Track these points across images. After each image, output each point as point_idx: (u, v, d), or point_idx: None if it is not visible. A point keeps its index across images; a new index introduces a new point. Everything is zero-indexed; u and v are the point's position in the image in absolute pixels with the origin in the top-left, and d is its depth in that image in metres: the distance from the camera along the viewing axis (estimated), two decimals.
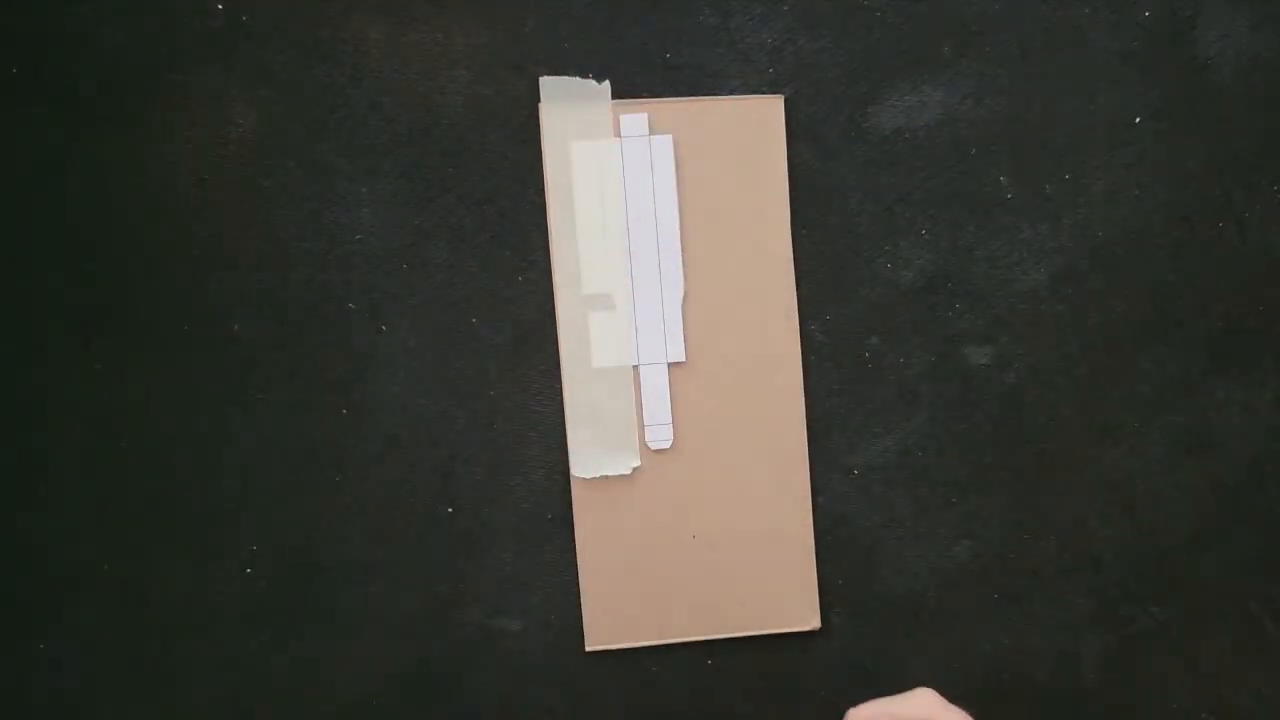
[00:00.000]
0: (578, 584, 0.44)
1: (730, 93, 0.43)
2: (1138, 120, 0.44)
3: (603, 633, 0.43)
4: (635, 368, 0.43)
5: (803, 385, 0.44)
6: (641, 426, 0.43)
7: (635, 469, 0.43)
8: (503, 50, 0.43)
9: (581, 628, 0.44)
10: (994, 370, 0.44)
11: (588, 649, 0.43)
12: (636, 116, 0.43)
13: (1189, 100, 0.44)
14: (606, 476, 0.43)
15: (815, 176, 0.44)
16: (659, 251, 0.43)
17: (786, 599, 0.44)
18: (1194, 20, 0.44)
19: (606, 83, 0.43)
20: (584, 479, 0.43)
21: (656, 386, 0.43)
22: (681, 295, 0.43)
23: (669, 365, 0.43)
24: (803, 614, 0.44)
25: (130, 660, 0.43)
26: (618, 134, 0.43)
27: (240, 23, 0.43)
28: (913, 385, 0.44)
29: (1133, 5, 0.43)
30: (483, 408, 0.44)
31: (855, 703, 0.44)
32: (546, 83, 0.43)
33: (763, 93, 0.43)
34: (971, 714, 0.44)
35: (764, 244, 0.43)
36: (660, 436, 0.43)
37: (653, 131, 0.43)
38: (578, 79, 0.43)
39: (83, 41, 0.43)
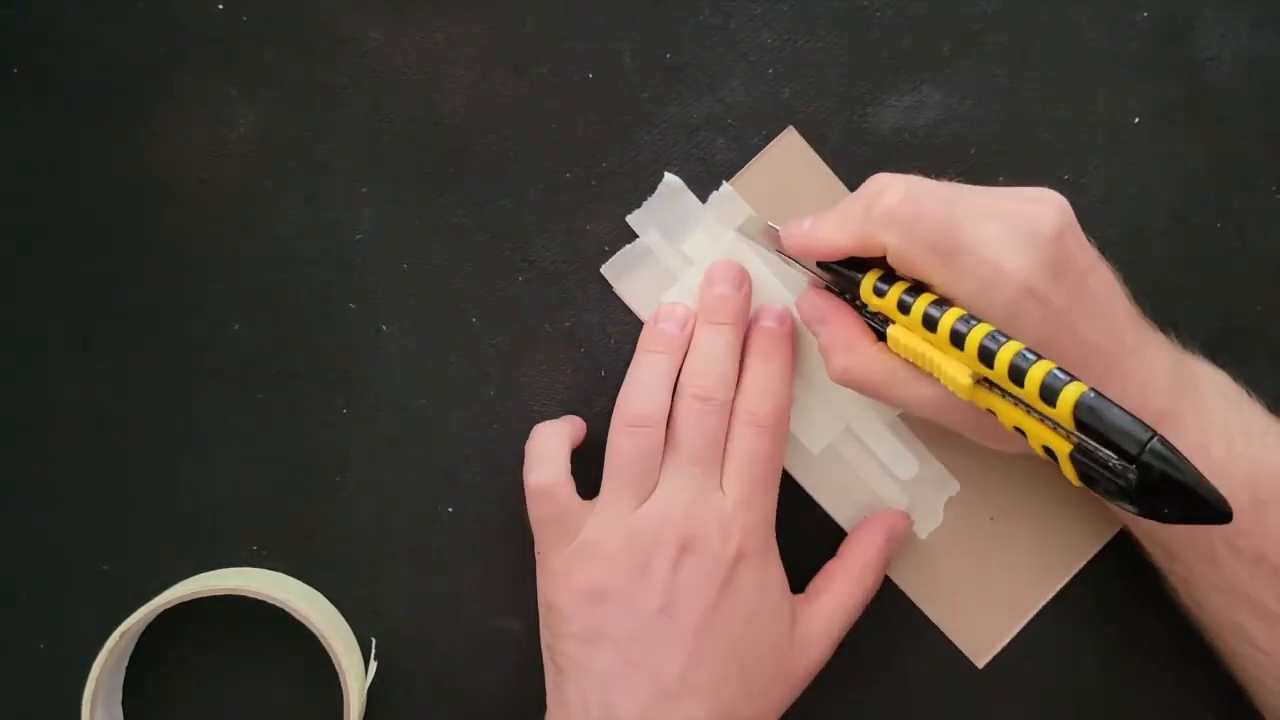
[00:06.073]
0: None
1: (730, 93, 0.43)
2: (1137, 120, 0.44)
3: None
4: None
5: None
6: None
7: None
8: (503, 50, 0.43)
9: None
10: None
11: None
12: (692, 238, 0.43)
13: (1189, 100, 0.44)
14: None
15: None
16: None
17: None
18: (1193, 20, 0.44)
19: (654, 230, 0.43)
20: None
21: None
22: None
23: None
24: None
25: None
26: (692, 263, 0.43)
27: (240, 23, 0.43)
28: None
29: (1132, 5, 0.43)
30: (483, 408, 0.44)
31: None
32: (609, 269, 0.43)
33: (762, 93, 0.43)
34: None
35: None
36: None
37: (715, 242, 0.43)
38: (628, 246, 0.43)
39: (83, 41, 0.43)
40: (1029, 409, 0.33)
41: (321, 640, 0.41)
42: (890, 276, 0.37)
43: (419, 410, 0.44)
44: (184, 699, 0.44)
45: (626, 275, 0.43)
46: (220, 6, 0.43)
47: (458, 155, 0.43)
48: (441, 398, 0.44)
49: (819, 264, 0.39)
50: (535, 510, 0.40)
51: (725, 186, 0.43)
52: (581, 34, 0.43)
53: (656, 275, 0.43)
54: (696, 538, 0.39)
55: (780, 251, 0.41)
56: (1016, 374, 0.33)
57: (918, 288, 0.36)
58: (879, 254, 0.37)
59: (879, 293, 0.37)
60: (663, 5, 0.43)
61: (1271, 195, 0.44)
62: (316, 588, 0.44)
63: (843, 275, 0.39)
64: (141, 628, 0.42)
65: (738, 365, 0.41)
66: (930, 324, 0.35)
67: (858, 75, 0.43)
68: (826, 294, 0.40)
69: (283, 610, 0.41)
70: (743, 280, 0.42)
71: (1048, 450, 0.33)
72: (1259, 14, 0.43)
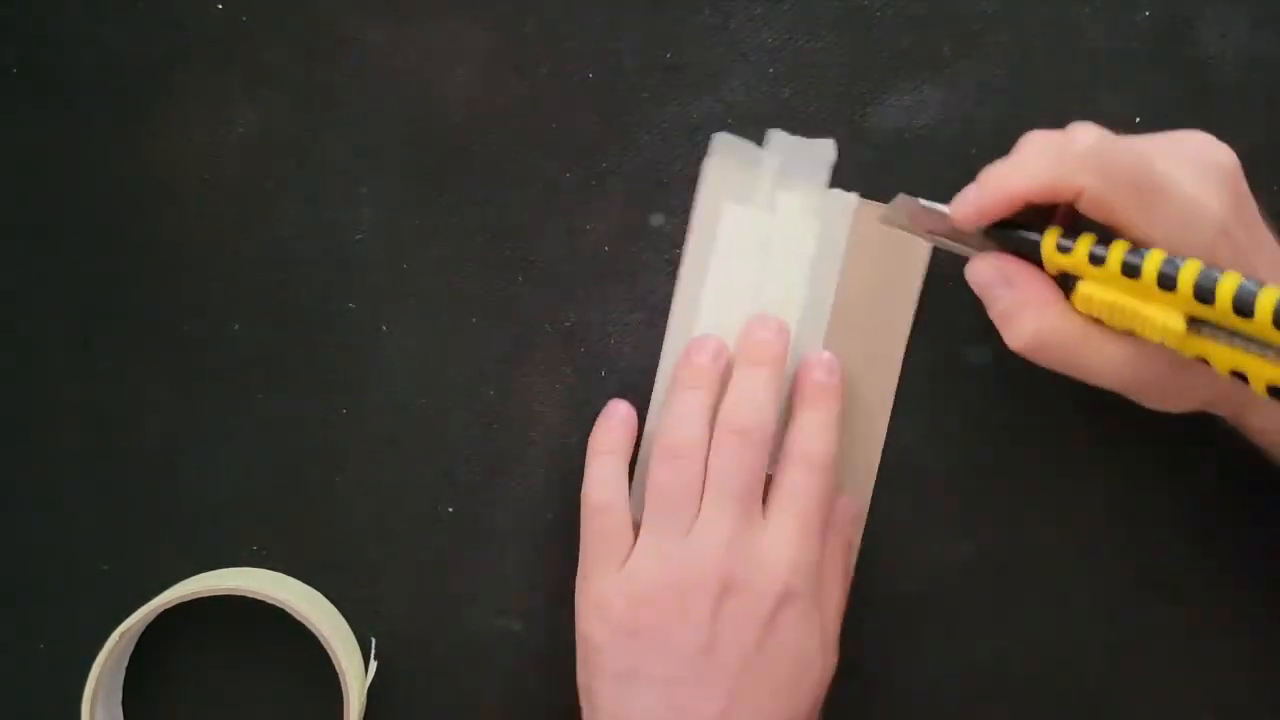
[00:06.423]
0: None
1: (730, 93, 0.43)
2: (1138, 120, 0.44)
3: None
4: None
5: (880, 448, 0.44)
6: None
7: None
8: (503, 50, 0.43)
9: None
10: (994, 370, 0.44)
11: None
12: (793, 195, 0.43)
13: (1189, 100, 0.44)
14: None
15: None
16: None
17: None
18: (1194, 20, 0.44)
19: (778, 160, 0.43)
20: None
21: None
22: (790, 368, 0.43)
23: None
24: None
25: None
26: (772, 209, 0.43)
27: (240, 23, 0.43)
28: (913, 385, 0.44)
29: (1132, 5, 0.43)
30: (483, 408, 0.44)
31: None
32: (723, 140, 0.43)
33: (762, 93, 0.43)
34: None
35: (876, 347, 0.43)
36: None
37: (800, 217, 0.43)
38: (754, 145, 0.43)
39: (83, 41, 0.43)
40: (1249, 345, 0.32)
41: (321, 640, 0.41)
42: (1069, 233, 0.35)
43: (419, 410, 0.44)
44: (184, 699, 0.44)
45: (725, 161, 0.43)
46: (220, 6, 0.43)
47: (458, 155, 0.43)
48: (441, 398, 0.44)
49: (989, 232, 0.38)
50: (590, 524, 0.40)
51: (853, 196, 0.43)
52: (581, 34, 0.43)
53: (741, 184, 0.43)
54: (738, 575, 0.38)
55: (930, 233, 0.39)
56: (1243, 305, 0.31)
57: (1104, 239, 0.35)
58: (1068, 198, 0.35)
59: (1063, 250, 0.35)
60: (663, 5, 0.43)
61: (1272, 195, 0.44)
62: (316, 588, 0.44)
63: (1017, 239, 0.36)
64: (141, 628, 0.42)
65: (778, 408, 0.41)
66: (1132, 271, 0.33)
67: (858, 75, 0.43)
68: (1007, 255, 0.37)
69: (283, 610, 0.41)
70: (782, 330, 0.42)
71: (1273, 390, 0.32)
72: (1259, 14, 0.43)
